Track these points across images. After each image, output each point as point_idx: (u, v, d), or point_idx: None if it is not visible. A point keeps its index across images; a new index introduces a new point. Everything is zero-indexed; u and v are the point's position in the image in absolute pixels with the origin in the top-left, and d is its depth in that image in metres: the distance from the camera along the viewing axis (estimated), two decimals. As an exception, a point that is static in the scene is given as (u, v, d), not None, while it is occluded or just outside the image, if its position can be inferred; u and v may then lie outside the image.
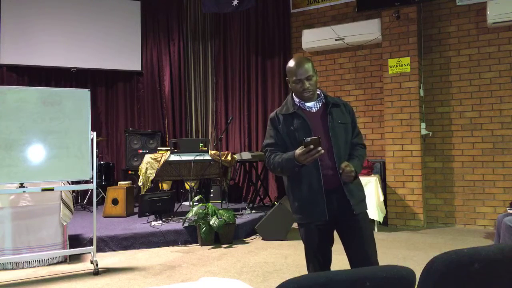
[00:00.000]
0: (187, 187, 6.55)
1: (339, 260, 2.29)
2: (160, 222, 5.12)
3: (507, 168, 5.44)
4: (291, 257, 4.28)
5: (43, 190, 3.78)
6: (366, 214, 2.29)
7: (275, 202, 5.86)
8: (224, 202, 6.12)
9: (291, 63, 2.27)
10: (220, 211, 4.85)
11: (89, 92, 4.00)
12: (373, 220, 5.26)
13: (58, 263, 4.15)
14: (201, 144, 6.07)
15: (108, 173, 6.99)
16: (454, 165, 5.75)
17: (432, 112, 5.86)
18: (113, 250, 4.58)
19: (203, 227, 4.71)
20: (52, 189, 3.86)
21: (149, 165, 5.60)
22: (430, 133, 5.83)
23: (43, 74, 7.21)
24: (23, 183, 3.66)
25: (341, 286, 1.07)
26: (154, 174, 5.58)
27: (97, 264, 3.86)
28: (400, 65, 5.75)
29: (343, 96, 6.28)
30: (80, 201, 6.64)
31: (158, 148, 6.87)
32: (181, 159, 5.65)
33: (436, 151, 5.85)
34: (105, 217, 5.69)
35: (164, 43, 7.69)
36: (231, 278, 3.44)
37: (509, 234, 3.72)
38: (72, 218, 4.30)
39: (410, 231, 5.43)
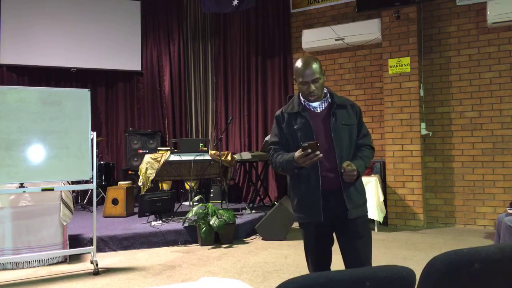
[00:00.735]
0: (187, 187, 6.55)
1: (339, 260, 2.28)
2: (160, 222, 5.12)
3: (507, 168, 5.44)
4: (291, 257, 4.28)
5: (43, 190, 3.78)
6: (365, 218, 2.28)
7: (275, 202, 5.86)
8: (224, 202, 6.12)
9: (299, 64, 2.25)
10: (220, 211, 4.85)
11: (89, 92, 4.00)
12: (373, 220, 5.26)
13: (58, 263, 4.15)
14: (201, 144, 6.07)
15: (108, 173, 6.99)
16: (454, 165, 5.75)
17: (432, 112, 5.86)
18: (113, 250, 4.58)
19: (203, 227, 4.71)
20: (52, 189, 3.86)
21: (149, 165, 5.60)
22: (430, 133, 5.83)
23: (43, 74, 7.21)
24: (23, 183, 3.66)
25: (341, 286, 1.07)
26: (154, 174, 5.58)
27: (97, 264, 3.86)
28: (400, 65, 5.75)
29: (344, 96, 6.27)
30: (80, 201, 6.64)
31: (158, 148, 6.87)
32: (181, 159, 5.65)
33: (436, 151, 5.85)
34: (105, 217, 5.69)
35: (164, 43, 7.69)
36: (231, 278, 3.44)
37: (509, 234, 3.72)
38: (72, 218, 4.30)
39: (410, 231, 5.43)
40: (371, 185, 5.27)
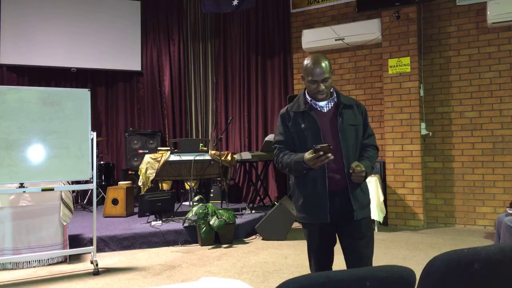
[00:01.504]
0: (187, 187, 6.55)
1: (341, 260, 2.29)
2: (160, 222, 5.12)
3: (507, 168, 5.44)
4: (291, 257, 4.28)
5: (43, 190, 3.78)
6: (369, 219, 2.27)
7: (275, 202, 5.86)
8: (224, 202, 6.12)
9: (309, 62, 2.22)
10: (220, 211, 4.85)
11: (89, 92, 4.00)
12: (373, 220, 5.26)
13: (58, 263, 4.15)
14: (201, 144, 6.07)
15: (108, 173, 6.99)
16: (454, 165, 5.75)
17: (432, 112, 5.86)
18: (113, 250, 4.58)
19: (203, 227, 4.71)
20: (52, 189, 3.86)
21: (149, 165, 5.60)
22: (430, 133, 5.83)
23: (43, 74, 7.20)
24: (23, 183, 3.66)
25: (341, 286, 1.07)
26: (154, 174, 5.58)
27: (97, 264, 3.86)
28: (400, 65, 5.75)
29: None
30: (80, 201, 6.64)
31: (158, 148, 6.87)
32: (181, 159, 5.65)
33: (436, 151, 5.85)
34: (105, 217, 5.69)
35: (164, 43, 7.69)
36: (231, 278, 3.44)
37: (509, 234, 3.72)
38: (72, 218, 4.30)
39: (410, 231, 5.43)
40: (371, 185, 5.26)
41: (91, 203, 6.02)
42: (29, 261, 4.03)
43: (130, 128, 7.45)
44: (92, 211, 4.53)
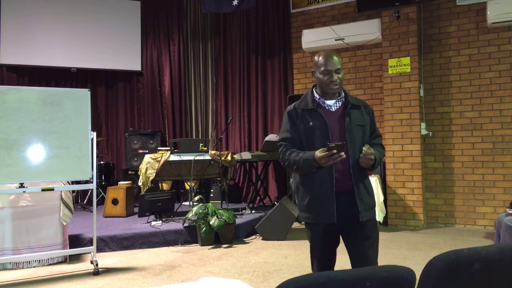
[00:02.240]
0: (187, 187, 6.55)
1: (342, 260, 2.28)
2: (160, 222, 5.12)
3: (507, 168, 5.44)
4: (291, 257, 4.28)
5: (43, 190, 3.78)
6: (374, 221, 2.25)
7: (275, 202, 5.86)
8: (224, 202, 6.11)
9: (320, 55, 2.21)
10: (220, 211, 4.85)
11: (89, 92, 4.00)
12: (373, 220, 5.25)
13: (58, 263, 4.15)
14: (201, 144, 6.07)
15: (108, 173, 6.99)
16: (454, 165, 5.75)
17: (432, 112, 5.86)
18: (113, 250, 4.58)
19: (203, 227, 4.71)
20: (52, 189, 3.86)
21: (149, 165, 5.60)
22: (430, 133, 5.83)
23: (43, 74, 7.20)
24: (23, 183, 3.66)
25: (341, 286, 1.07)
26: (154, 174, 5.58)
27: (97, 264, 3.86)
28: (400, 65, 5.75)
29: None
30: (80, 201, 6.64)
31: (158, 148, 6.87)
32: (181, 159, 5.65)
33: (436, 151, 5.85)
34: (105, 217, 5.69)
35: (164, 43, 7.69)
36: (231, 278, 3.44)
37: (509, 234, 3.72)
38: (72, 218, 4.30)
39: (410, 231, 5.43)
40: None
41: (91, 203, 6.02)
42: (29, 261, 4.03)
43: (130, 128, 7.45)
44: (92, 211, 4.53)
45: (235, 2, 6.64)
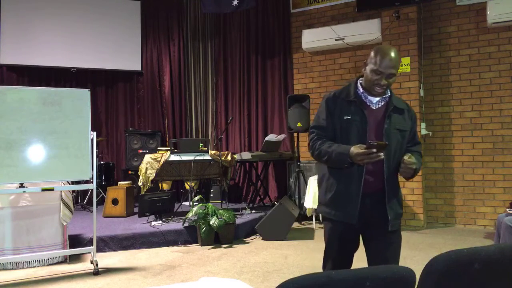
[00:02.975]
0: (187, 187, 6.55)
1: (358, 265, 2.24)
2: (160, 222, 5.12)
3: (507, 168, 5.44)
4: (291, 257, 4.28)
5: (43, 190, 3.78)
6: (399, 231, 2.16)
7: (275, 202, 5.86)
8: (224, 202, 6.11)
9: (381, 49, 2.02)
10: (220, 211, 4.85)
11: (89, 92, 4.00)
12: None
13: (58, 263, 4.15)
14: (201, 144, 6.07)
15: (108, 173, 6.98)
16: (454, 165, 5.75)
17: (432, 112, 5.86)
18: (113, 250, 4.57)
19: (203, 227, 4.71)
20: (52, 189, 3.86)
21: (149, 165, 5.60)
22: (430, 133, 5.83)
23: (43, 74, 7.20)
24: (23, 183, 3.66)
25: (341, 286, 1.07)
26: (154, 174, 5.58)
27: (97, 264, 3.86)
28: (400, 65, 5.74)
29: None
30: (80, 201, 6.64)
31: (158, 148, 6.87)
32: (181, 159, 5.65)
33: (436, 151, 5.85)
34: (105, 217, 5.69)
35: (164, 43, 7.69)
36: (231, 278, 3.44)
37: (509, 234, 3.72)
38: (72, 218, 4.30)
39: (410, 231, 5.43)
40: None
41: (91, 203, 6.02)
42: (29, 261, 4.02)
43: (130, 128, 7.45)
44: (92, 211, 4.53)
45: (235, 2, 6.64)
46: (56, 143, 3.76)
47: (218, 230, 4.71)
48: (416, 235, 5.20)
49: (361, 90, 2.10)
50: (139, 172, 5.72)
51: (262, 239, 5.05)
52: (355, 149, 1.91)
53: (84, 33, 7.22)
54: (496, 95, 5.51)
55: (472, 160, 5.64)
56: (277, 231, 5.05)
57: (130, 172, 6.92)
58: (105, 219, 5.56)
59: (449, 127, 5.78)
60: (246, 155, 6.15)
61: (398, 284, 1.14)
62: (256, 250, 4.59)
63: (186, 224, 4.93)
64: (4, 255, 3.96)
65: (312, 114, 6.30)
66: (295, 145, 6.36)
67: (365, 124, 2.03)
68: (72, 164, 3.82)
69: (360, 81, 2.14)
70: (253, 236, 5.18)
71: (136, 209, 5.87)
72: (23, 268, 4.00)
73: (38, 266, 4.05)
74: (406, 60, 5.72)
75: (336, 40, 6.25)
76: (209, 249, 4.64)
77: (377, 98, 2.09)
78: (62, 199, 4.16)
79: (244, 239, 5.06)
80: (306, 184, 5.69)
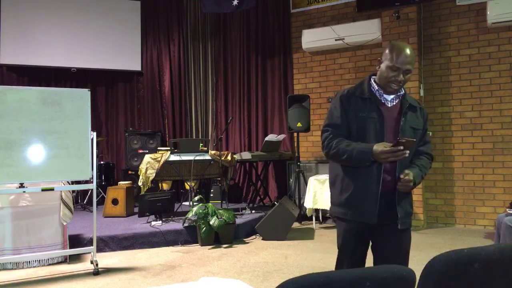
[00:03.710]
0: (187, 187, 6.55)
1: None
2: (160, 222, 5.12)
3: (507, 168, 5.44)
4: (291, 257, 4.28)
5: (43, 190, 3.78)
6: (410, 231, 2.12)
7: (275, 202, 5.86)
8: (224, 202, 6.11)
9: (395, 46, 2.00)
10: (220, 211, 4.85)
11: (89, 92, 3.99)
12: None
13: (58, 263, 4.15)
14: (201, 144, 6.07)
15: (108, 173, 6.98)
16: (454, 165, 5.75)
17: (432, 112, 5.86)
18: (113, 250, 4.57)
19: (203, 227, 4.70)
20: (52, 189, 3.86)
21: (149, 165, 5.60)
22: (430, 133, 5.83)
23: (43, 74, 7.20)
24: (23, 183, 3.66)
25: (341, 286, 1.07)
26: (154, 174, 5.58)
27: (97, 264, 3.86)
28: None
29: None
30: (80, 201, 6.64)
31: (158, 148, 6.87)
32: (181, 159, 5.64)
33: (436, 151, 5.84)
34: (105, 217, 5.69)
35: (164, 43, 7.69)
36: (231, 278, 3.44)
37: (509, 234, 3.72)
38: (72, 218, 4.30)
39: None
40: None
41: (91, 203, 6.02)
42: (29, 261, 4.02)
43: (130, 128, 7.45)
44: (92, 211, 4.53)
45: (235, 2, 6.64)
46: (56, 143, 3.76)
47: (218, 230, 4.71)
48: (416, 235, 5.20)
49: (375, 87, 2.07)
50: (139, 172, 5.72)
51: (262, 239, 5.05)
52: (378, 147, 1.87)
53: (84, 33, 7.22)
54: (496, 95, 5.51)
55: (472, 160, 5.64)
56: (277, 231, 5.05)
57: (130, 172, 6.92)
58: (105, 219, 5.56)
59: (449, 127, 5.78)
60: (246, 155, 6.15)
61: (398, 284, 1.14)
62: (256, 250, 4.59)
63: (186, 224, 4.93)
64: (4, 255, 3.96)
65: (312, 114, 6.31)
66: (295, 145, 6.36)
67: (383, 121, 2.00)
68: (72, 164, 3.82)
69: (373, 79, 2.11)
70: (253, 236, 5.18)
71: (136, 209, 5.87)
72: (23, 268, 4.00)
73: (38, 266, 4.05)
74: (406, 60, 5.71)
75: (336, 40, 6.25)
76: (209, 249, 4.64)
77: (392, 96, 2.06)
78: (62, 199, 4.16)
79: (244, 239, 5.06)
80: (306, 184, 5.69)
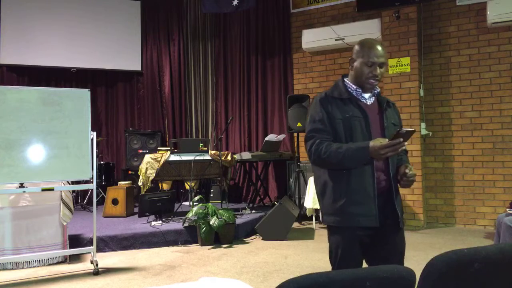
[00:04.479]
0: (187, 187, 6.55)
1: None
2: (160, 222, 5.12)
3: (507, 168, 5.44)
4: (291, 257, 4.28)
5: (43, 190, 3.78)
6: (403, 231, 2.09)
7: (275, 202, 5.86)
8: (224, 202, 6.11)
9: (364, 43, 1.98)
10: (220, 211, 4.85)
11: (89, 92, 4.00)
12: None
13: (58, 263, 4.15)
14: (201, 144, 6.07)
15: (108, 173, 6.98)
16: (454, 165, 5.75)
17: (432, 112, 5.86)
18: (113, 250, 4.58)
19: (203, 227, 4.70)
20: (52, 189, 3.86)
21: (149, 165, 5.60)
22: (430, 133, 5.83)
23: (43, 74, 7.20)
24: (23, 183, 3.66)
25: (341, 286, 1.07)
26: (154, 174, 5.58)
27: (97, 264, 3.86)
28: (400, 65, 5.75)
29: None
30: (80, 201, 6.64)
31: (158, 148, 6.87)
32: (181, 159, 5.65)
33: (436, 151, 5.85)
34: (105, 217, 5.69)
35: (164, 43, 7.69)
36: (231, 278, 3.44)
37: (509, 234, 3.72)
38: (72, 218, 4.30)
39: (410, 231, 5.43)
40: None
41: (91, 203, 6.02)
42: (29, 261, 4.03)
43: (130, 128, 7.45)
44: (92, 211, 4.53)
45: (235, 2, 6.64)
46: (56, 143, 3.76)
47: (218, 230, 4.71)
48: (416, 235, 5.20)
49: (353, 87, 2.02)
50: (139, 172, 5.72)
51: (262, 239, 5.05)
52: (375, 143, 1.80)
53: (84, 33, 7.22)
54: (496, 95, 5.51)
55: (472, 160, 5.64)
56: (277, 231, 5.05)
57: (130, 172, 6.93)
58: (105, 219, 5.56)
59: (449, 127, 5.78)
60: (246, 155, 6.15)
61: (398, 284, 1.14)
62: (256, 250, 4.59)
63: (186, 224, 4.93)
64: (4, 255, 3.96)
65: (312, 114, 6.30)
66: (295, 145, 6.36)
67: (367, 120, 1.96)
68: (72, 164, 3.82)
69: (347, 79, 2.07)
70: (253, 236, 5.18)
71: (136, 209, 5.87)
72: (23, 268, 4.00)
73: (38, 266, 4.05)
74: (406, 60, 5.72)
75: (336, 40, 6.25)
76: (209, 249, 4.64)
77: (369, 94, 2.03)
78: (62, 199, 4.16)
79: (244, 239, 5.06)
80: (306, 184, 5.69)
